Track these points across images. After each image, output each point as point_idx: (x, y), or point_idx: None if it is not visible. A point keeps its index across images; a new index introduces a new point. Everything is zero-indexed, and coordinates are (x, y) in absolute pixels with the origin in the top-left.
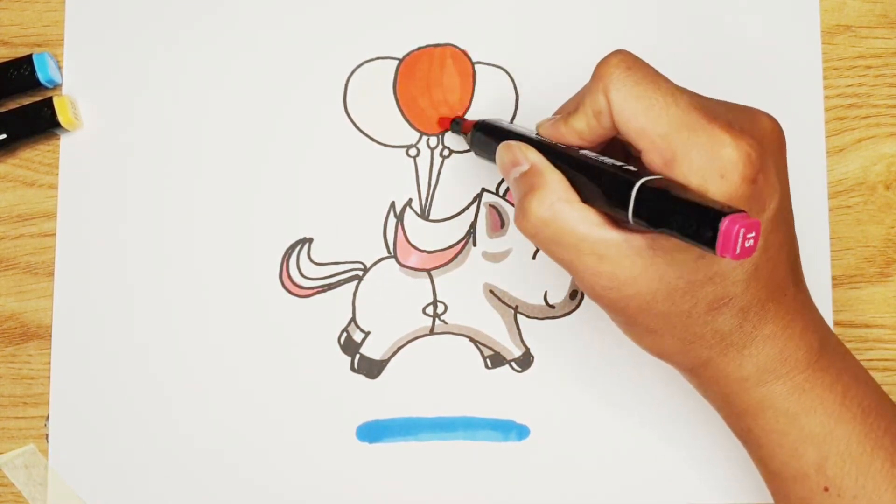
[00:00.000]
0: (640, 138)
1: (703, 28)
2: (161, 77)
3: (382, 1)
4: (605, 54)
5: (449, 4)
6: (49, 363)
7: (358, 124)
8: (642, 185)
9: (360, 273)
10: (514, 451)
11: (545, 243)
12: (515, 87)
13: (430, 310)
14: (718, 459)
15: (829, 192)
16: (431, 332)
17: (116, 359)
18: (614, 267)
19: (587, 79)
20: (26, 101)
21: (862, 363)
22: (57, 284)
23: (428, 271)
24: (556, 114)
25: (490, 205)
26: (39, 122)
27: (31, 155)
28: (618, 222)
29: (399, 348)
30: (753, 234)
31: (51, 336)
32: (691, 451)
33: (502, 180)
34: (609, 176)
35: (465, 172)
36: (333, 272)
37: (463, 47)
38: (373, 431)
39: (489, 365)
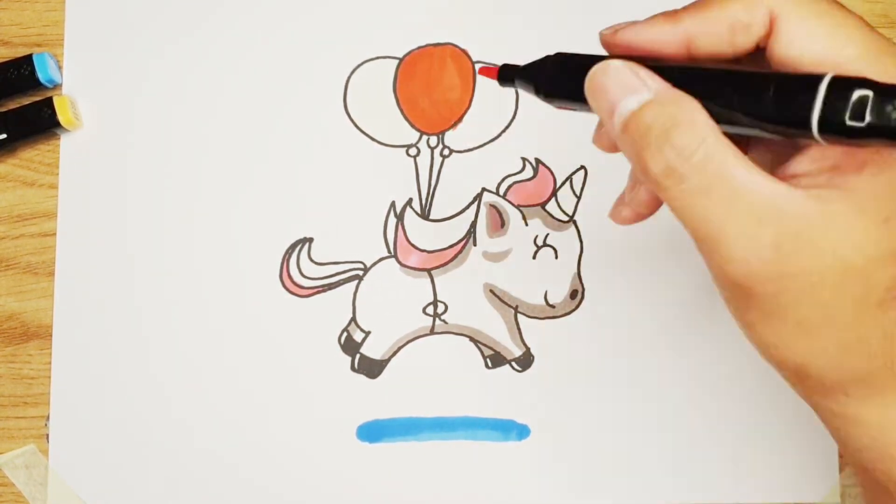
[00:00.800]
0: (818, 68)
1: None
2: (161, 77)
3: (382, 1)
4: None
5: (449, 4)
6: (49, 363)
7: (358, 124)
8: (833, 79)
9: (361, 273)
10: (514, 451)
11: (690, 196)
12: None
13: (430, 309)
14: (718, 459)
15: None
16: (432, 331)
17: (117, 359)
18: (778, 233)
19: None
20: (26, 101)
21: None
22: (57, 284)
23: (428, 271)
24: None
25: (490, 204)
26: (39, 122)
27: (31, 155)
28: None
29: (399, 348)
30: None
31: (51, 336)
32: (691, 451)
33: (502, 180)
34: (780, 82)
35: (465, 172)
36: (333, 272)
37: (463, 47)
38: (373, 431)
39: (489, 365)
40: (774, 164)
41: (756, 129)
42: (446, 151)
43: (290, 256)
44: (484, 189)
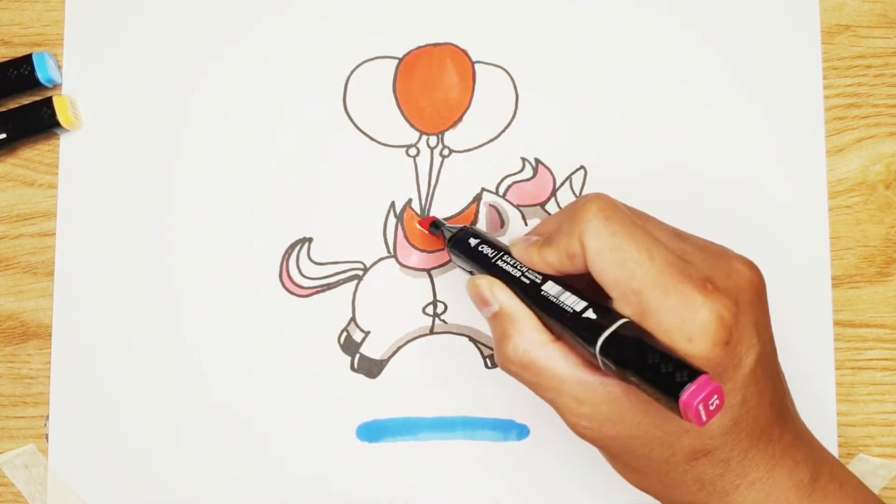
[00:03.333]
0: (612, 289)
1: (702, 28)
2: (161, 77)
3: (382, 1)
4: (583, 197)
5: (449, 4)
6: (49, 363)
7: (358, 124)
8: (609, 336)
9: (360, 273)
10: (514, 451)
11: (527, 385)
12: (515, 87)
13: (430, 309)
14: None
15: (829, 192)
16: (431, 331)
17: (116, 358)
18: (593, 410)
19: (586, 79)
20: (26, 100)
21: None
22: (57, 284)
23: (428, 271)
24: (532, 233)
25: (490, 204)
26: (39, 122)
27: (31, 155)
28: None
29: (399, 348)
30: (717, 400)
31: (51, 336)
32: None
33: (502, 180)
34: (577, 321)
35: (465, 172)
36: (333, 272)
37: (463, 47)
38: (373, 431)
39: (489, 365)
40: None
41: (569, 341)
42: (446, 151)
43: (289, 256)
44: (484, 189)
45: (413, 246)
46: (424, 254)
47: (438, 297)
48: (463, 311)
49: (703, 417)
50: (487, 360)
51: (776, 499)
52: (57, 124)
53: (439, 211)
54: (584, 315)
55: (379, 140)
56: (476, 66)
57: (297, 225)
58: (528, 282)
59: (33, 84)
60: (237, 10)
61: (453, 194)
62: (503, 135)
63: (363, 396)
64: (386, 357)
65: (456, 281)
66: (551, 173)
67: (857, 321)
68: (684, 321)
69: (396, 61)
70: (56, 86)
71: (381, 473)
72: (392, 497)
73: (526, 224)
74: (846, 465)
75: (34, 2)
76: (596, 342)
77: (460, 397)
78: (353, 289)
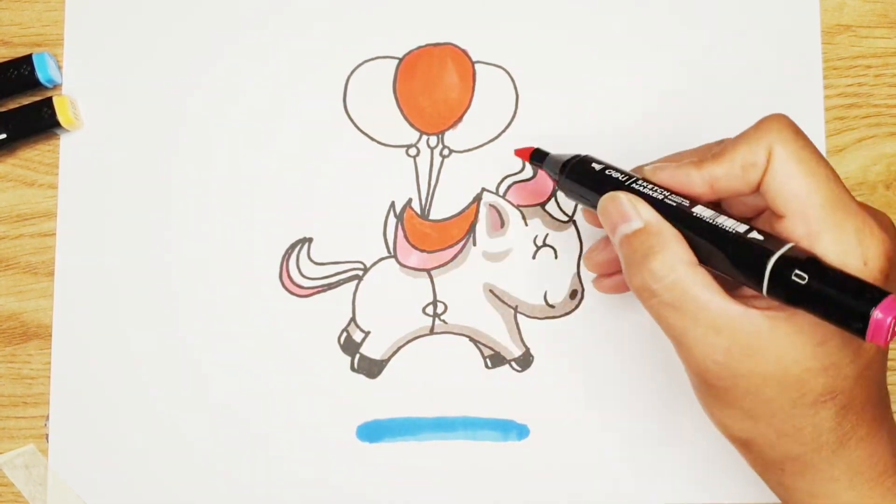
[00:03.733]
0: (791, 203)
1: (703, 27)
2: (161, 77)
3: (382, 1)
4: (764, 118)
5: (449, 4)
6: (49, 363)
7: (358, 124)
8: (780, 258)
9: (360, 273)
10: (514, 451)
11: (661, 307)
12: (515, 87)
13: (430, 309)
14: (718, 460)
15: None
16: (431, 331)
17: (116, 358)
18: (731, 342)
19: (586, 79)
20: (26, 100)
21: None
22: (57, 284)
23: (428, 271)
24: (666, 160)
25: (490, 204)
26: (39, 122)
27: (31, 155)
28: (737, 293)
29: (399, 348)
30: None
31: (51, 336)
32: (691, 452)
33: (502, 180)
34: (740, 244)
35: (465, 172)
36: (333, 272)
37: (463, 47)
38: (373, 431)
39: (489, 365)
40: (736, 286)
41: (717, 268)
42: (446, 151)
43: (289, 257)
44: (484, 189)
45: (413, 246)
46: (424, 254)
47: (438, 297)
48: (463, 311)
49: (889, 336)
50: (488, 360)
51: (878, 459)
52: (57, 124)
53: (439, 211)
54: (750, 236)
55: (379, 140)
56: (476, 66)
57: (297, 225)
58: (674, 204)
59: (33, 84)
60: (237, 11)
61: (453, 194)
62: (503, 135)
63: (363, 396)
64: (386, 357)
65: (456, 281)
66: None
67: None
68: (860, 244)
69: (397, 61)
70: (56, 86)
71: (381, 473)
72: (392, 497)
73: (526, 224)
74: None
75: (34, 2)
76: (765, 265)
77: (460, 397)
78: (353, 289)
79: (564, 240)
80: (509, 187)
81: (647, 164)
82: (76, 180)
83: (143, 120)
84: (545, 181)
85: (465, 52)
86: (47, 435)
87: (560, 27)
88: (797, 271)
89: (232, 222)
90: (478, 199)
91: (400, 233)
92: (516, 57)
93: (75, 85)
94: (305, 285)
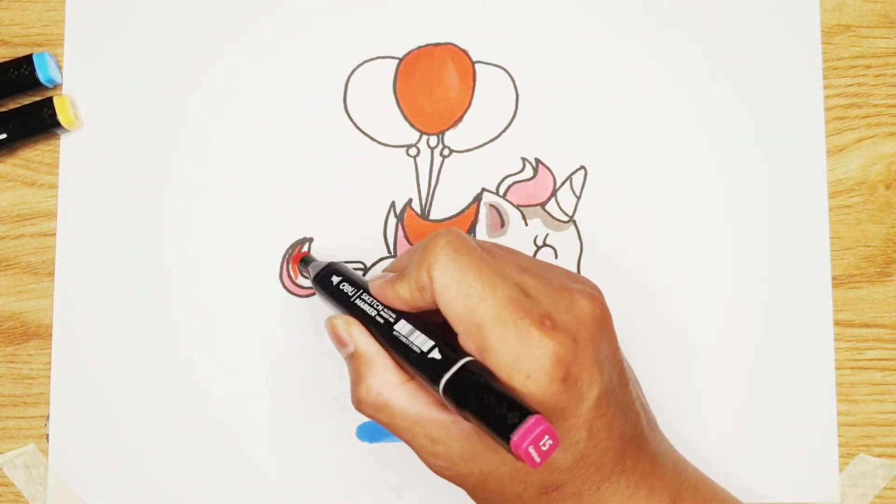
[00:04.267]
0: (456, 323)
1: (702, 27)
2: (161, 77)
3: (382, 1)
4: (436, 232)
5: (449, 4)
6: (49, 363)
7: (358, 124)
8: (451, 377)
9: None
10: None
11: (383, 425)
12: (515, 87)
13: None
14: (718, 459)
15: (829, 192)
16: None
17: (117, 359)
18: (446, 448)
19: (587, 79)
20: (26, 100)
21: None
22: (57, 284)
23: None
24: (388, 269)
25: (490, 205)
26: (39, 122)
27: (31, 155)
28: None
29: None
30: (549, 440)
31: (51, 336)
32: (690, 452)
33: (502, 180)
34: (423, 362)
35: (465, 172)
36: None
37: (463, 47)
38: (373, 431)
39: None
40: None
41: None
42: (446, 151)
43: (289, 256)
44: (484, 189)
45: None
46: None
47: None
48: None
49: (537, 458)
50: None
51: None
52: (57, 124)
53: (439, 211)
54: (430, 356)
55: (379, 140)
56: (476, 66)
57: (297, 225)
58: (382, 321)
59: (33, 84)
60: (237, 10)
61: (453, 194)
62: (503, 135)
63: None
64: None
65: None
66: (551, 173)
67: (857, 321)
68: (521, 357)
69: (397, 61)
70: (56, 86)
71: (381, 473)
72: (392, 497)
73: (526, 224)
74: (846, 465)
75: (34, 2)
76: (439, 383)
77: None
78: None
79: (564, 240)
80: (509, 187)
81: (375, 276)
82: (76, 180)
83: (143, 120)
84: (545, 181)
85: (465, 52)
86: (47, 435)
87: (560, 27)
88: (460, 391)
89: (232, 222)
90: (478, 199)
91: (400, 233)
92: (516, 57)
93: (75, 85)
94: (305, 285)
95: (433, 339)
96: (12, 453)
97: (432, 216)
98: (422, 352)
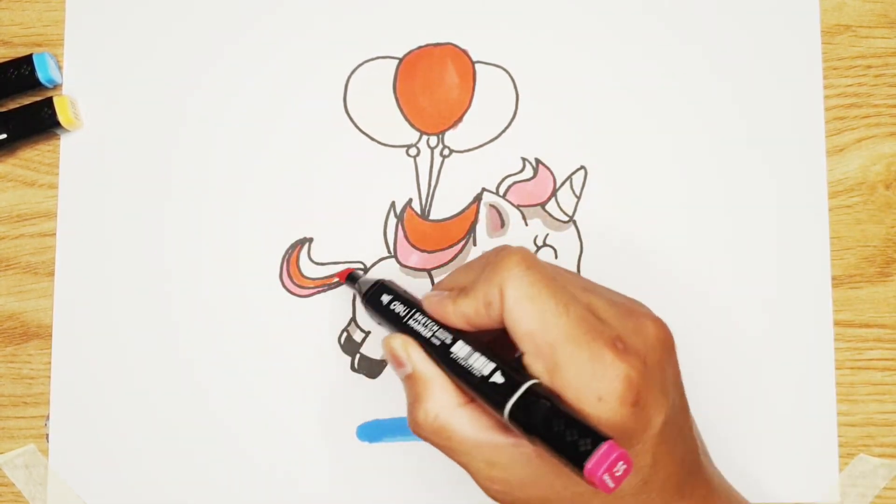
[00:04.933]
0: (526, 342)
1: (702, 27)
2: (161, 77)
3: (382, 1)
4: (503, 247)
5: (449, 4)
6: (49, 363)
7: (358, 124)
8: (517, 400)
9: (361, 273)
10: None
11: (439, 448)
12: (515, 87)
13: None
14: (718, 460)
15: (829, 192)
16: None
17: (117, 358)
18: (505, 473)
19: (586, 79)
20: (26, 100)
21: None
22: (57, 284)
23: (428, 271)
24: (441, 286)
25: (490, 204)
26: (39, 122)
27: (31, 155)
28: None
29: None
30: (623, 466)
31: (51, 336)
32: None
33: (502, 180)
34: (485, 386)
35: (465, 172)
36: (334, 272)
37: (463, 47)
38: (373, 431)
39: None
40: None
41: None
42: (446, 151)
43: (289, 256)
44: (484, 189)
45: (413, 246)
46: (425, 254)
47: None
48: None
49: (611, 484)
50: None
51: None
52: (57, 124)
53: (439, 211)
54: (491, 380)
55: (379, 140)
56: (476, 66)
57: (297, 225)
58: (438, 343)
59: (33, 84)
60: (237, 10)
61: (453, 194)
62: (503, 135)
63: (363, 396)
64: None
65: None
66: (551, 173)
67: (857, 321)
68: (594, 378)
69: (397, 61)
70: (56, 86)
71: (381, 473)
72: (392, 497)
73: (526, 224)
74: (846, 465)
75: (34, 2)
76: (504, 408)
77: None
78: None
79: (564, 240)
80: (509, 187)
81: (429, 293)
82: (76, 180)
83: (143, 120)
84: (545, 181)
85: (465, 52)
86: (47, 435)
87: (560, 27)
88: (528, 416)
89: (232, 222)
90: (478, 199)
91: (400, 233)
92: (516, 57)
93: (75, 85)
94: (305, 285)
95: (494, 361)
96: (12, 453)
97: (432, 216)
98: (482, 376)
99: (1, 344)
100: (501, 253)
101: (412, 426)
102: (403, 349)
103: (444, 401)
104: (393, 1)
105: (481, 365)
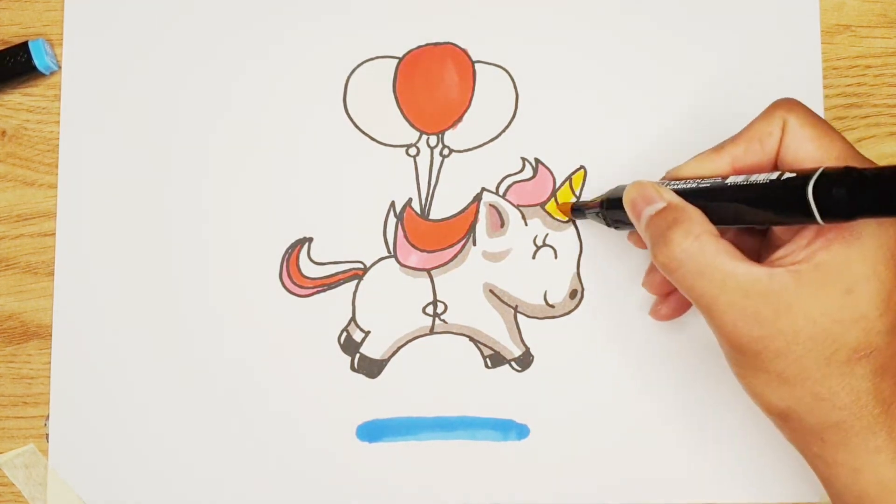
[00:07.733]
0: (808, 164)
1: (702, 27)
2: (160, 77)
3: (382, 1)
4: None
5: (449, 4)
6: (49, 363)
7: (358, 123)
8: (819, 177)
9: (360, 273)
10: (514, 450)
11: (688, 277)
12: (515, 87)
13: (430, 309)
14: (718, 459)
15: None
16: (431, 331)
17: (116, 358)
18: (759, 303)
19: (586, 79)
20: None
21: None
22: (57, 284)
23: (428, 271)
24: (668, 176)
25: (490, 204)
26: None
27: (31, 155)
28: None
29: (399, 348)
30: None
31: (51, 336)
32: (691, 451)
33: (502, 180)
34: (779, 188)
35: (465, 172)
36: (333, 272)
37: (463, 46)
38: (373, 431)
39: (489, 364)
40: (755, 250)
41: (758, 223)
42: (446, 151)
43: (289, 256)
44: (484, 189)
45: (413, 246)
46: (424, 254)
47: (438, 297)
48: (463, 311)
49: None
50: (487, 360)
51: None
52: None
53: (439, 211)
54: (784, 178)
55: (379, 140)
56: (476, 65)
57: (297, 225)
58: (708, 185)
59: (30, 71)
60: (236, 10)
61: (453, 194)
62: (503, 135)
63: (363, 396)
64: (386, 357)
65: (456, 281)
66: (551, 173)
67: None
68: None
69: (396, 61)
70: (53, 73)
71: (382, 473)
72: (392, 497)
73: (526, 224)
74: None
75: (34, 1)
76: (806, 191)
77: (460, 397)
78: (353, 289)
79: (564, 240)
80: (509, 187)
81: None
82: (76, 180)
83: (142, 119)
84: (545, 181)
85: (465, 51)
86: (47, 435)
87: (560, 27)
88: (835, 185)
89: (232, 222)
90: (478, 198)
91: (400, 232)
92: (516, 57)
93: (74, 84)
94: (305, 285)
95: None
96: (12, 453)
97: (432, 216)
98: (775, 178)
99: (1, 344)
100: (777, 100)
101: (666, 253)
102: (654, 188)
103: (704, 224)
104: (393, 1)
105: (763, 178)
